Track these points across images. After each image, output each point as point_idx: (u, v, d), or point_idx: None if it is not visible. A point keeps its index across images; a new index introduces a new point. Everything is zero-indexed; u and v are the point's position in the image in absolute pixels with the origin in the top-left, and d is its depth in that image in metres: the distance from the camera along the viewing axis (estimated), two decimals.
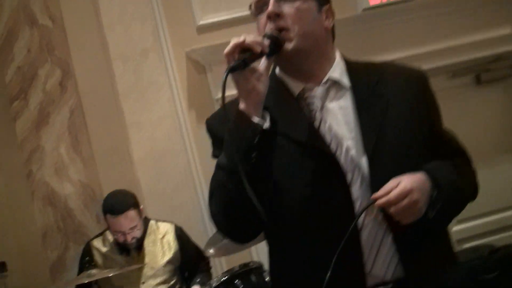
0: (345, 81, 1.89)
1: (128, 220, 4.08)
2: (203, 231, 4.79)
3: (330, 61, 1.91)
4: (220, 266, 4.78)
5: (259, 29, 1.87)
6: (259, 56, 1.73)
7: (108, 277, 4.09)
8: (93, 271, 3.72)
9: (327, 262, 1.73)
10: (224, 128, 1.78)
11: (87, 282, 3.98)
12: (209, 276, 4.39)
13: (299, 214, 1.81)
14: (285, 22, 1.82)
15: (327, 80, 1.88)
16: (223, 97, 1.68)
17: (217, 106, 4.94)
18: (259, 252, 4.71)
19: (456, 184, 1.88)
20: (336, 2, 2.07)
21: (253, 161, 1.70)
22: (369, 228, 1.80)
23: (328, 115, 1.84)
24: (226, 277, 3.68)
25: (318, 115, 1.84)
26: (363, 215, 1.78)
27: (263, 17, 1.86)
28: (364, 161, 1.80)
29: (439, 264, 1.85)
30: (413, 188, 1.74)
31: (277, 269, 1.96)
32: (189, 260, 4.39)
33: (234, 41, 1.70)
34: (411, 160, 1.83)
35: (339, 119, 1.84)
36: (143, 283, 4.22)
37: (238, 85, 1.73)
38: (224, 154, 1.77)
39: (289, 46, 1.81)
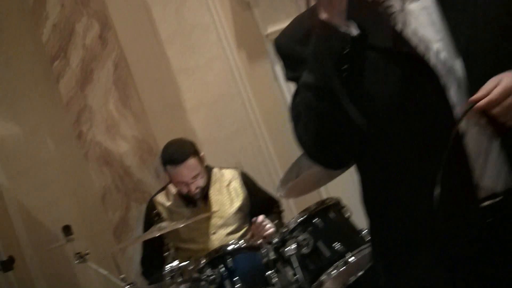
0: None
1: (190, 169, 3.93)
2: (267, 175, 4.63)
3: None
4: (290, 211, 4.58)
5: None
6: None
7: (178, 231, 3.98)
8: (163, 224, 3.53)
9: (430, 176, 1.59)
10: (297, 45, 1.72)
11: (159, 240, 3.87)
12: (280, 219, 4.20)
13: (395, 126, 1.68)
14: None
15: None
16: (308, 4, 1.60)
17: (267, 43, 4.68)
18: (329, 192, 4.49)
19: None
20: None
21: (344, 74, 1.61)
22: (472, 135, 1.64)
23: (411, 17, 1.69)
24: (304, 216, 3.46)
25: (399, 18, 1.68)
26: (463, 122, 1.63)
27: None
28: (457, 64, 1.65)
29: None
30: None
31: (373, 198, 1.82)
32: (259, 205, 4.23)
33: None
34: (507, 57, 1.67)
35: (423, 20, 1.69)
36: (214, 233, 4.08)
37: None
38: (310, 72, 1.67)
39: None
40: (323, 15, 1.61)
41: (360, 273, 3.52)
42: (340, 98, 1.62)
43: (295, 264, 3.33)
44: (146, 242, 4.04)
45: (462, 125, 1.62)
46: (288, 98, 4.70)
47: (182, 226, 3.65)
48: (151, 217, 4.01)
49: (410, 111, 1.66)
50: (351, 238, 3.49)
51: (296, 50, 1.76)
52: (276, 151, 4.80)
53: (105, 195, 4.72)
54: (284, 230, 3.48)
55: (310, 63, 1.67)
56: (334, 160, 1.79)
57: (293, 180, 3.52)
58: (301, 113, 1.73)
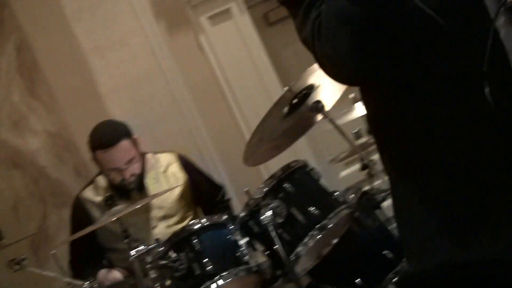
0: None
1: (123, 152, 3.59)
2: (200, 160, 4.22)
3: None
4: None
5: None
6: None
7: (110, 229, 3.57)
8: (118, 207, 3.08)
9: (477, 80, 1.51)
10: None
11: (90, 240, 3.60)
12: (229, 208, 3.84)
13: (432, 32, 1.57)
14: None
15: None
16: None
17: (189, 10, 4.28)
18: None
19: None
20: None
21: None
22: (504, 32, 1.56)
23: None
24: (272, 183, 3.10)
25: None
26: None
27: None
28: None
29: None
30: None
31: (412, 125, 1.66)
32: (202, 190, 3.92)
33: None
34: None
35: None
36: (154, 227, 3.69)
37: None
38: None
39: None
40: None
41: (335, 241, 3.31)
42: None
43: (273, 233, 2.95)
44: (74, 244, 3.67)
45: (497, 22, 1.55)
46: (218, 71, 4.31)
47: (116, 222, 3.15)
48: (79, 217, 3.69)
49: (449, 14, 1.56)
50: (326, 201, 3.25)
51: None
52: (209, 133, 4.42)
53: (17, 204, 4.15)
54: (251, 202, 3.11)
55: None
56: (367, 72, 1.61)
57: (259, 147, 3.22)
58: (327, 23, 1.57)
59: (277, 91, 4.35)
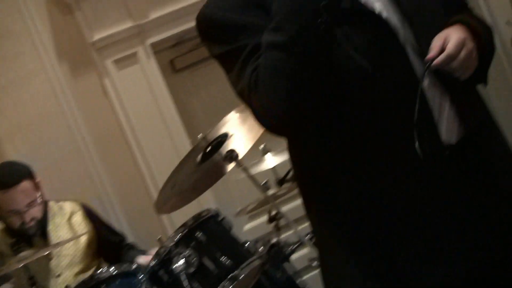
0: None
1: (23, 194, 3.52)
2: (101, 209, 4.11)
3: None
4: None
5: None
6: None
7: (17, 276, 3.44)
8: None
9: (403, 133, 1.69)
10: (233, 14, 1.73)
11: None
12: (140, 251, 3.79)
13: (363, 87, 1.73)
14: None
15: None
16: None
17: (94, 52, 4.20)
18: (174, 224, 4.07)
19: (488, 34, 1.90)
20: None
21: (322, 27, 1.62)
22: (428, 94, 1.76)
23: None
24: (184, 231, 3.07)
25: None
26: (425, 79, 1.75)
27: None
28: (401, 23, 1.76)
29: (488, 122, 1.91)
30: (465, 37, 1.74)
31: (335, 171, 1.79)
32: (106, 239, 3.87)
33: None
34: (440, 15, 1.83)
35: None
36: (59, 275, 3.58)
37: None
38: (277, 30, 1.65)
39: None
40: None
41: None
42: (318, 52, 1.64)
43: (185, 283, 2.89)
44: None
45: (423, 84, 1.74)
46: (122, 116, 4.24)
47: (16, 270, 3.03)
48: None
49: (377, 71, 1.71)
50: (237, 251, 3.28)
51: (234, 18, 1.73)
52: (111, 180, 4.31)
53: None
54: (162, 250, 3.04)
55: (279, 20, 1.64)
56: (300, 122, 1.74)
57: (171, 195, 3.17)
58: (265, 76, 1.67)
59: (182, 138, 4.33)
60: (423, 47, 1.74)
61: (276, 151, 3.69)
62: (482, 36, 1.82)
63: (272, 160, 3.69)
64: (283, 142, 1.90)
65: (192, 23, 4.71)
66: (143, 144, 4.27)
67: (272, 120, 1.72)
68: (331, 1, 1.64)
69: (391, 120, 1.73)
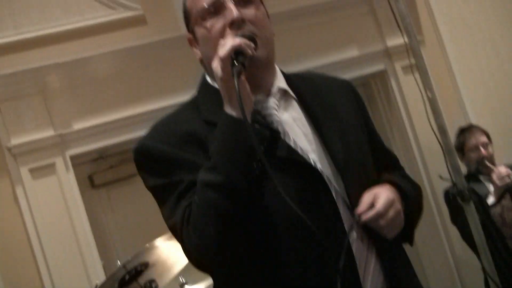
0: (290, 91, 1.93)
1: None
2: None
3: (275, 70, 1.94)
4: None
5: (209, 35, 1.85)
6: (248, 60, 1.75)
7: None
8: None
9: (327, 282, 1.76)
10: (172, 148, 1.79)
11: None
12: None
13: (290, 234, 1.79)
14: (251, 28, 1.83)
15: (277, 90, 1.90)
16: (241, 103, 1.65)
17: (9, 156, 4.02)
18: None
19: (416, 196, 2.02)
20: None
21: (256, 171, 1.71)
22: (355, 246, 1.83)
23: (286, 127, 1.85)
24: None
25: (280, 128, 1.84)
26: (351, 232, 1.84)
27: (218, 22, 1.83)
28: (333, 175, 1.84)
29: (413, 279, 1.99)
30: (394, 197, 1.84)
31: None
32: None
33: (231, 42, 1.72)
34: (370, 170, 1.94)
35: (297, 131, 1.87)
36: None
37: (232, 92, 1.70)
38: (214, 170, 1.71)
39: (263, 53, 1.83)
40: (235, 112, 1.70)
41: None
42: (251, 195, 1.71)
43: None
44: None
45: (351, 235, 1.82)
46: (32, 227, 4.03)
47: None
48: None
49: (308, 218, 1.72)
50: None
51: (172, 153, 1.79)
52: None
53: None
54: None
55: (216, 160, 1.71)
56: (229, 261, 1.78)
57: None
58: (197, 214, 1.72)
59: (94, 259, 4.12)
60: (353, 201, 1.82)
61: (194, 283, 3.56)
62: (410, 199, 1.92)
63: None
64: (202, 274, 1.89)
65: (115, 139, 4.63)
66: (51, 261, 4.04)
67: (200, 257, 1.76)
68: (267, 148, 1.72)
69: (317, 268, 1.77)
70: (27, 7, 4.31)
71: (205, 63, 1.88)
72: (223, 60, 1.69)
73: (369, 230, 1.82)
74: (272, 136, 1.78)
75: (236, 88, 1.65)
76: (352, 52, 5.05)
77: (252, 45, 1.76)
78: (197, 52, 1.90)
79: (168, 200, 1.77)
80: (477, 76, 5.32)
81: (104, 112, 4.32)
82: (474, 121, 4.95)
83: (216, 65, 1.71)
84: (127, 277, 3.10)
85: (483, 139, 4.39)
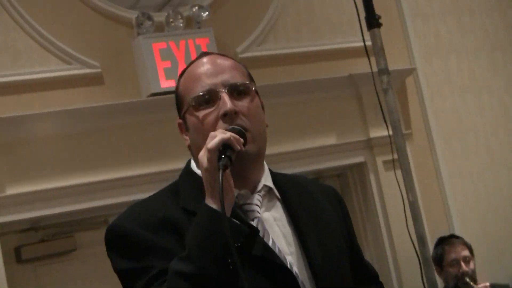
0: (275, 190, 2.00)
1: None
2: None
3: (263, 166, 2.00)
4: None
5: (201, 125, 1.92)
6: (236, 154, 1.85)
7: None
8: None
9: None
10: (147, 233, 1.84)
11: None
12: None
13: None
14: (243, 121, 1.90)
15: (262, 187, 1.96)
16: (222, 197, 1.70)
17: None
18: None
19: None
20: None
21: (230, 267, 1.73)
22: None
23: (267, 226, 1.90)
24: None
25: (260, 226, 1.88)
26: None
27: (212, 113, 1.90)
28: (308, 279, 1.88)
29: None
30: None
31: None
32: None
33: (220, 136, 1.78)
34: (347, 279, 1.97)
35: (276, 231, 1.92)
36: None
37: (215, 184, 1.78)
38: (188, 260, 1.75)
39: (252, 148, 1.89)
40: (214, 205, 1.75)
41: None
42: None
43: None
44: None
45: None
46: None
47: None
48: None
49: None
50: None
51: (147, 237, 1.83)
52: None
53: None
54: None
55: (191, 251, 1.75)
56: None
57: None
58: None
59: None
60: None
61: None
62: None
63: None
64: None
65: (51, 209, 4.27)
66: None
67: None
68: (243, 245, 1.75)
69: None
70: None
71: (193, 151, 1.93)
72: (210, 152, 1.75)
73: None
74: (251, 233, 1.81)
75: (219, 181, 1.71)
76: (331, 139, 4.80)
77: (242, 140, 1.81)
78: (186, 138, 1.96)
79: (136, 284, 1.82)
80: (466, 179, 5.12)
81: (43, 178, 4.00)
82: (459, 231, 4.74)
83: (202, 155, 1.77)
84: None
85: (465, 253, 4.17)
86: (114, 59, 4.33)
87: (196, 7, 4.44)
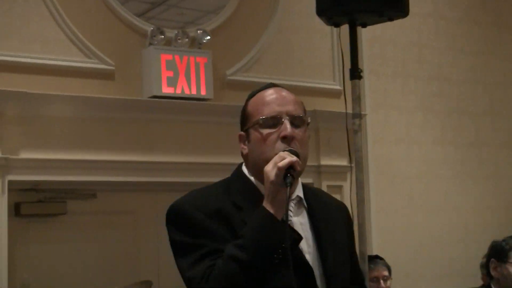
0: (304, 201, 2.29)
1: None
2: None
3: (299, 180, 2.27)
4: None
5: (263, 141, 2.21)
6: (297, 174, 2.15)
7: None
8: None
9: None
10: (205, 217, 2.13)
11: None
12: None
13: None
14: (297, 146, 2.19)
15: (295, 197, 2.26)
16: (287, 207, 2.06)
17: None
18: None
19: None
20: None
21: (276, 261, 2.06)
22: None
23: (295, 228, 2.21)
24: None
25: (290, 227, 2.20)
26: None
27: (273, 134, 2.20)
28: (319, 275, 2.21)
29: None
30: None
31: None
32: None
33: (289, 158, 2.08)
34: (347, 278, 2.31)
35: (301, 233, 2.22)
36: None
37: (277, 196, 2.08)
38: (243, 248, 2.06)
39: (301, 168, 2.16)
40: (272, 211, 2.08)
41: None
42: (264, 278, 2.07)
43: None
44: None
45: None
46: None
47: None
48: None
49: None
50: None
51: (203, 220, 2.14)
52: None
53: None
54: None
55: (247, 243, 2.06)
56: None
57: None
58: (218, 277, 2.07)
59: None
60: None
61: None
62: None
63: None
64: None
65: (55, 176, 4.67)
66: None
67: None
68: (289, 245, 2.06)
69: None
70: (10, 33, 4.59)
71: (250, 159, 2.25)
72: (280, 169, 2.06)
73: None
74: (297, 239, 2.16)
75: (286, 195, 2.05)
76: None
77: (300, 162, 2.13)
78: (244, 148, 2.26)
79: (189, 256, 2.14)
80: (390, 214, 5.78)
81: (49, 149, 4.59)
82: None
83: (270, 170, 2.08)
84: None
85: (385, 272, 4.56)
86: (126, 61, 4.94)
87: (201, 31, 5.09)
